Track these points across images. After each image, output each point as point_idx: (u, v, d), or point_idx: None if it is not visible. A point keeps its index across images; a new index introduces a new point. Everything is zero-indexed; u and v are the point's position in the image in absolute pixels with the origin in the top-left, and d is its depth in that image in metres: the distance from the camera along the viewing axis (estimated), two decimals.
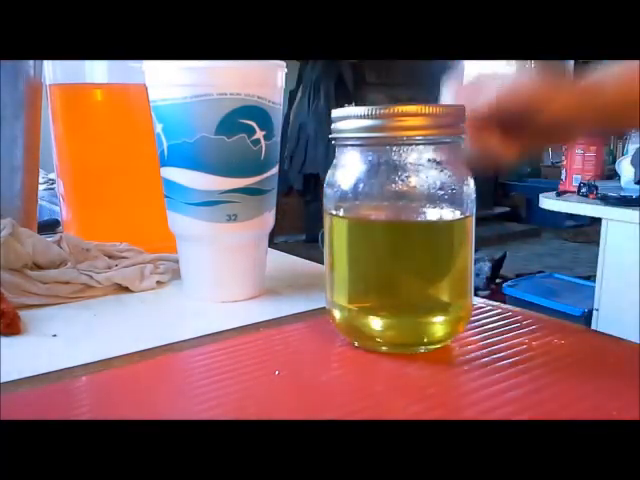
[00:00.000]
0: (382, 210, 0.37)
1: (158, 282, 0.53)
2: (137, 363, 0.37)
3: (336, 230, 0.38)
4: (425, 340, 0.37)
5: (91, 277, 0.50)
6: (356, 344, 0.38)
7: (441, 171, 0.35)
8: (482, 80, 0.32)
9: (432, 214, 0.36)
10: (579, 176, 1.87)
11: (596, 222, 1.64)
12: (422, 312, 0.37)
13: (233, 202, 0.46)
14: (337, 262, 0.38)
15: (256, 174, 0.47)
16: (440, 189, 0.35)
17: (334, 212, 0.37)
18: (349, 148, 0.37)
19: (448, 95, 0.33)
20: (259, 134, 0.46)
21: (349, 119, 0.35)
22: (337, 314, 0.38)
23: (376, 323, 0.37)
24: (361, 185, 0.36)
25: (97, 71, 0.60)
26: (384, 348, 0.37)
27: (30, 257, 0.50)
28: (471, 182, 0.37)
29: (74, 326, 0.43)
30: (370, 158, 0.36)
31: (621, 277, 1.51)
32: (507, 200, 5.45)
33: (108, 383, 0.35)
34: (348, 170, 0.36)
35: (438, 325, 0.37)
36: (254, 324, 0.44)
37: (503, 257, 3.13)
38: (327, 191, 0.38)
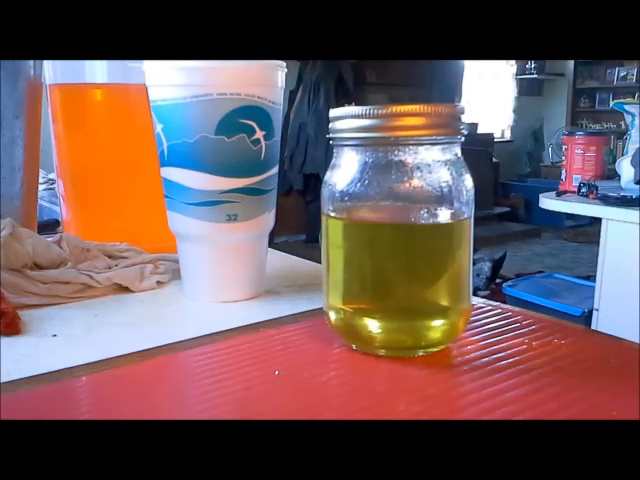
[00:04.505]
0: (379, 211, 0.36)
1: (158, 282, 0.53)
2: (137, 363, 0.37)
3: (332, 231, 0.38)
4: (423, 343, 0.37)
5: (91, 277, 0.50)
6: (354, 347, 0.38)
7: (439, 171, 0.35)
8: None
9: (430, 215, 0.35)
10: (579, 176, 1.87)
11: (596, 222, 1.64)
12: (419, 315, 0.36)
13: (233, 202, 0.46)
14: (334, 263, 0.38)
15: (256, 174, 0.47)
16: (438, 190, 0.35)
17: (331, 213, 0.37)
18: (347, 148, 0.36)
19: None
20: (259, 134, 0.46)
21: (346, 119, 0.35)
22: (332, 316, 0.38)
23: (372, 325, 0.36)
24: (358, 185, 0.35)
25: (97, 71, 0.60)
26: (382, 351, 0.37)
27: (30, 257, 0.50)
28: (470, 182, 0.36)
29: (74, 326, 0.43)
30: (367, 158, 0.35)
31: (621, 277, 1.51)
32: (507, 200, 5.45)
33: (108, 383, 0.35)
34: (345, 170, 0.36)
35: (436, 329, 0.37)
36: (254, 324, 0.43)
37: (503, 257, 3.13)
38: (324, 191, 0.37)
